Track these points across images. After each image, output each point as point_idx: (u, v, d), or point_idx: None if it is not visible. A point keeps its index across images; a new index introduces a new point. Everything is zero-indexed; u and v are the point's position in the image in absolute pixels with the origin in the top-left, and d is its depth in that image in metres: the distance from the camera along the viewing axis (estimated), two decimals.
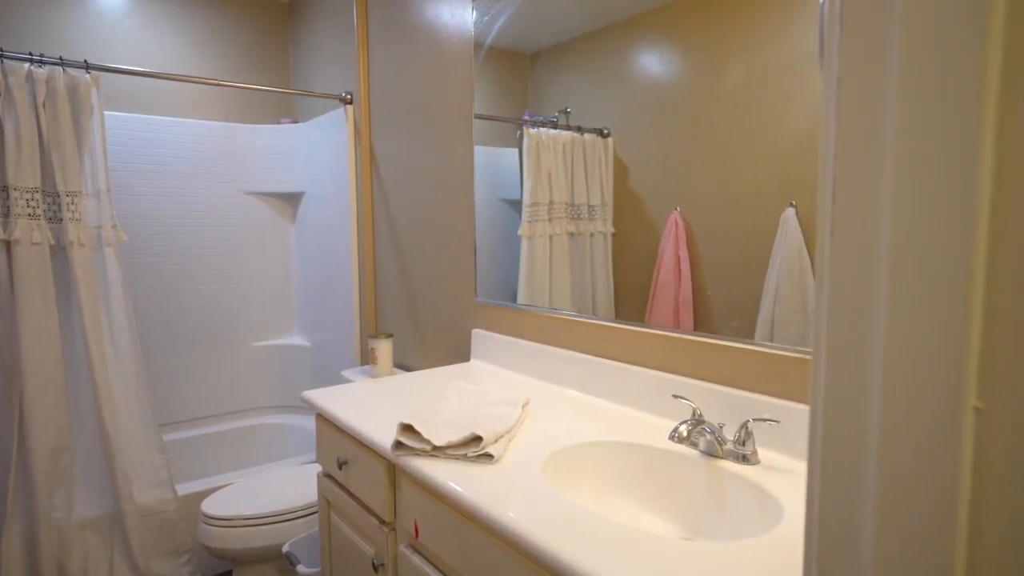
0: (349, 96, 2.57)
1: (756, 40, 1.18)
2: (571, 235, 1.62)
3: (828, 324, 0.35)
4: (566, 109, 1.61)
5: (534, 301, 1.75)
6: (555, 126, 1.65)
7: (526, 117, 1.74)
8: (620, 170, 1.48)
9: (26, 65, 1.94)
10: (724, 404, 1.24)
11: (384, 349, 2.23)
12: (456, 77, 2.01)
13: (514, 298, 1.83)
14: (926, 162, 0.30)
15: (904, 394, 0.31)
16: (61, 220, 2.02)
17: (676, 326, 1.37)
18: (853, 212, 0.33)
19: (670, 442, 1.21)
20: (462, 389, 1.49)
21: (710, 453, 1.15)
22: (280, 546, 2.01)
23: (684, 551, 0.83)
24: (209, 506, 2.04)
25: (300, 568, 1.84)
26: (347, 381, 2.35)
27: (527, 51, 1.72)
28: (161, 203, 2.85)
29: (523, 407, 1.37)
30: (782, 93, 1.15)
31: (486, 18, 1.85)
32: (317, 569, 1.81)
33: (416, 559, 1.20)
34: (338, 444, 1.49)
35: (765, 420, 1.10)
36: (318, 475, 1.64)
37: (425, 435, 1.18)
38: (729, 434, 1.21)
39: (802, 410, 1.12)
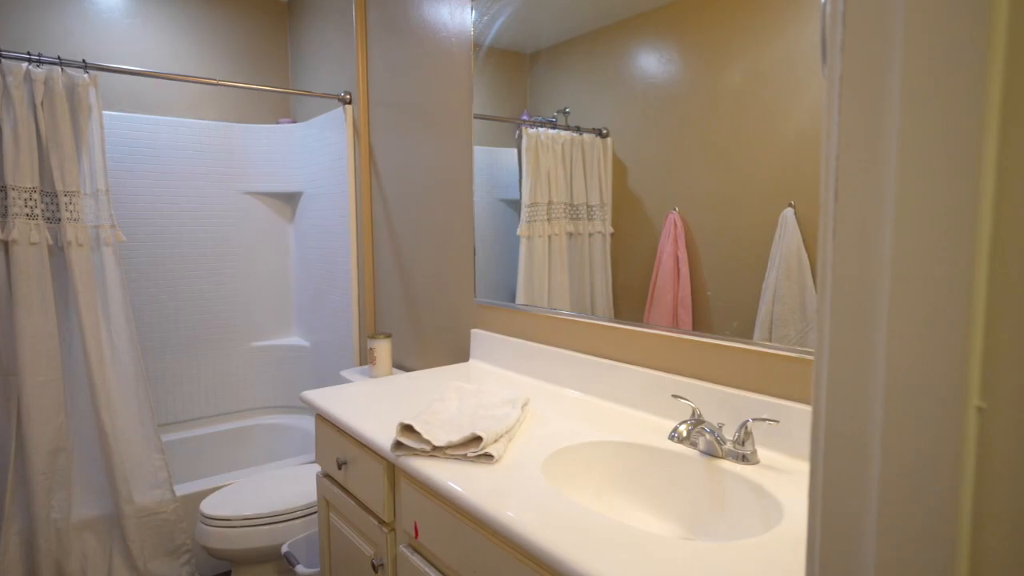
0: (348, 96, 2.57)
1: (754, 40, 1.18)
2: (570, 235, 1.62)
3: (831, 324, 0.35)
4: (565, 109, 1.61)
5: (533, 301, 1.76)
6: (554, 126, 1.65)
7: (525, 117, 1.74)
8: (619, 170, 1.48)
9: (24, 65, 1.94)
10: (723, 404, 1.24)
11: (383, 349, 2.23)
12: (455, 77, 2.01)
13: (513, 298, 1.83)
14: (929, 161, 0.30)
15: (907, 394, 0.31)
16: (59, 220, 2.02)
17: (675, 326, 1.37)
18: (856, 212, 0.33)
19: (670, 442, 1.21)
20: (461, 389, 1.49)
21: (710, 453, 1.15)
22: (279, 546, 2.01)
23: (684, 551, 0.83)
24: (208, 506, 2.03)
25: (299, 568, 1.84)
26: (346, 381, 2.35)
27: (526, 51, 1.72)
28: (159, 203, 2.85)
29: (523, 407, 1.37)
30: (780, 93, 1.15)
31: (485, 18, 1.85)
32: (316, 569, 1.81)
33: (416, 559, 1.20)
34: (337, 444, 1.48)
35: (764, 420, 1.10)
36: (317, 475, 1.64)
37: (425, 435, 1.18)
38: (728, 434, 1.22)
39: (801, 410, 1.12)
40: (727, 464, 1.11)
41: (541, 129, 1.69)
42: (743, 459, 1.11)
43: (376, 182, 2.52)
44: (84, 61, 2.03)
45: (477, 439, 1.17)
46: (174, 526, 2.21)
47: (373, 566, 1.33)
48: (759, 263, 1.21)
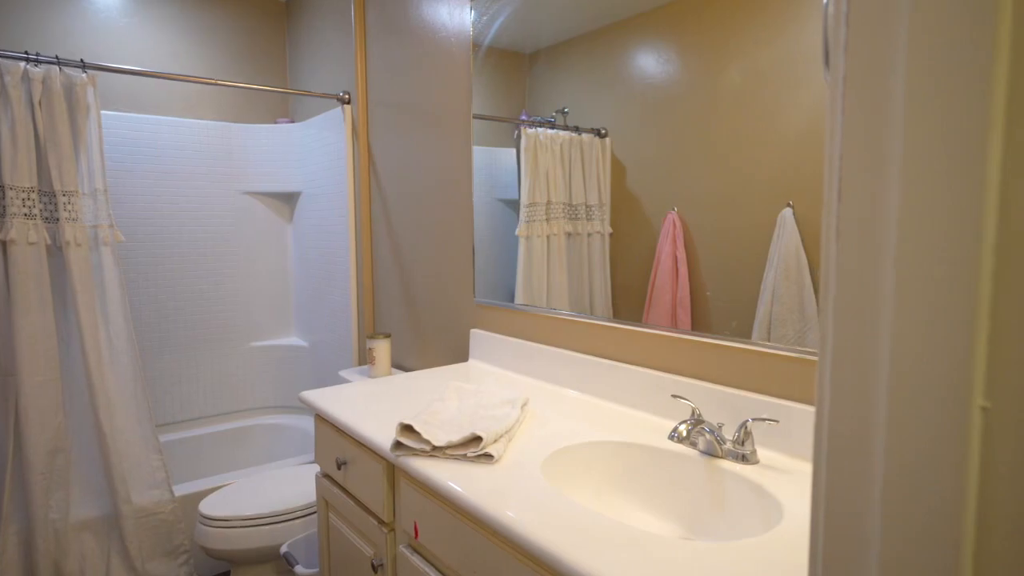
0: (347, 96, 2.57)
1: (753, 41, 1.18)
2: (568, 235, 1.62)
3: (834, 324, 0.35)
4: (563, 109, 1.61)
5: (532, 301, 1.76)
6: (553, 126, 1.65)
7: (523, 117, 1.74)
8: (617, 170, 1.48)
9: (22, 64, 1.93)
10: (723, 404, 1.24)
11: (382, 349, 2.22)
12: (454, 77, 2.01)
13: (512, 298, 1.83)
14: (933, 161, 0.30)
15: (910, 394, 0.31)
16: (57, 220, 2.02)
17: (673, 326, 1.37)
18: (859, 212, 0.33)
19: (669, 442, 1.21)
20: (461, 389, 1.49)
21: (709, 453, 1.15)
22: (278, 547, 2.01)
23: (684, 550, 0.83)
24: (207, 507, 2.03)
25: (298, 569, 1.84)
26: (345, 381, 2.35)
27: (525, 51, 1.72)
28: (158, 203, 2.85)
29: (522, 407, 1.37)
30: (779, 93, 1.15)
31: (484, 18, 1.85)
32: (315, 570, 1.81)
33: (416, 559, 1.20)
34: (337, 444, 1.48)
35: (764, 420, 1.10)
36: (316, 475, 1.64)
37: (425, 435, 1.18)
38: (728, 434, 1.22)
39: (801, 409, 1.12)
40: (727, 464, 1.12)
41: (540, 129, 1.69)
42: (743, 459, 1.11)
43: (375, 182, 2.52)
44: (82, 61, 2.02)
45: (477, 439, 1.17)
46: (172, 526, 2.21)
47: (373, 566, 1.33)
48: (758, 263, 1.21)
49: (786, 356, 1.16)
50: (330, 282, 2.83)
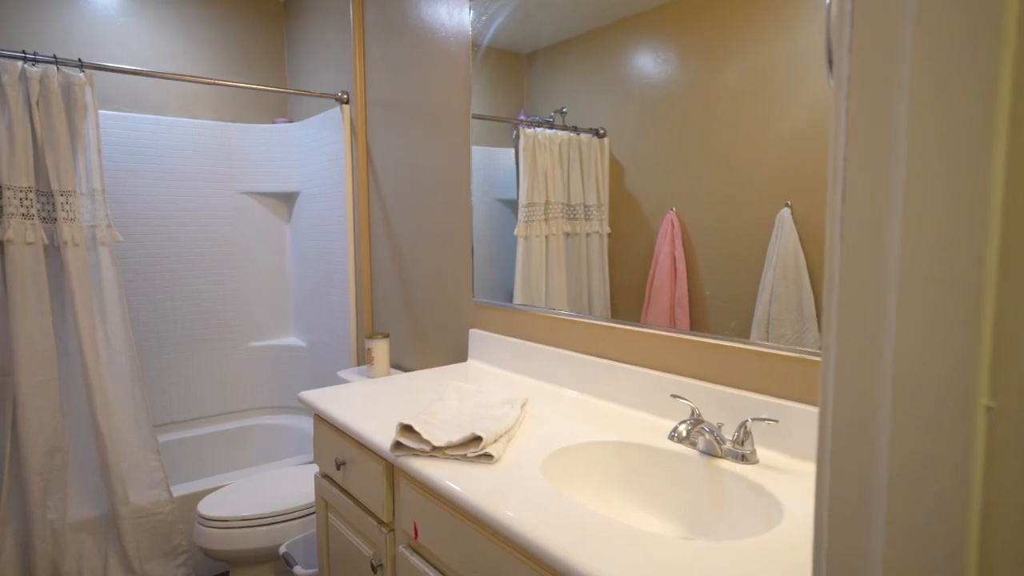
0: (345, 96, 2.57)
1: (752, 41, 1.18)
2: (567, 235, 1.62)
3: (838, 324, 0.35)
4: (562, 109, 1.61)
5: (531, 301, 1.76)
6: (551, 126, 1.65)
7: (522, 117, 1.74)
8: (616, 170, 1.48)
9: (19, 63, 1.93)
10: (723, 404, 1.24)
11: (381, 349, 2.22)
12: (454, 77, 2.01)
13: (510, 298, 1.83)
14: (938, 161, 0.30)
15: (915, 393, 0.31)
16: (55, 220, 2.01)
17: (672, 326, 1.37)
18: (863, 212, 0.33)
19: (669, 441, 1.21)
20: (461, 389, 1.49)
21: (709, 452, 1.15)
22: (277, 547, 2.01)
23: (684, 550, 0.84)
24: (205, 507, 2.03)
25: (297, 569, 1.84)
26: (343, 381, 2.35)
27: (524, 51, 1.72)
28: (156, 203, 2.84)
29: (522, 407, 1.37)
30: (778, 93, 1.15)
31: (484, 18, 1.85)
32: (314, 570, 1.80)
33: (415, 559, 1.20)
34: (336, 445, 1.48)
35: (764, 420, 1.10)
36: (316, 476, 1.63)
37: (424, 436, 1.18)
38: (728, 433, 1.22)
39: (801, 409, 1.12)
40: (727, 464, 1.12)
41: (538, 129, 1.69)
42: (742, 459, 1.11)
43: (373, 182, 2.52)
44: (80, 60, 2.02)
45: (477, 439, 1.17)
46: (171, 527, 2.20)
47: (372, 566, 1.33)
48: (756, 263, 1.21)
49: (785, 356, 1.16)
50: (328, 282, 2.83)
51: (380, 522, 1.33)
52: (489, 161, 1.89)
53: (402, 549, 1.25)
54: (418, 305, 2.29)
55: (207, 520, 1.99)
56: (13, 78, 1.91)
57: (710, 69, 1.26)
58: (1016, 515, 0.29)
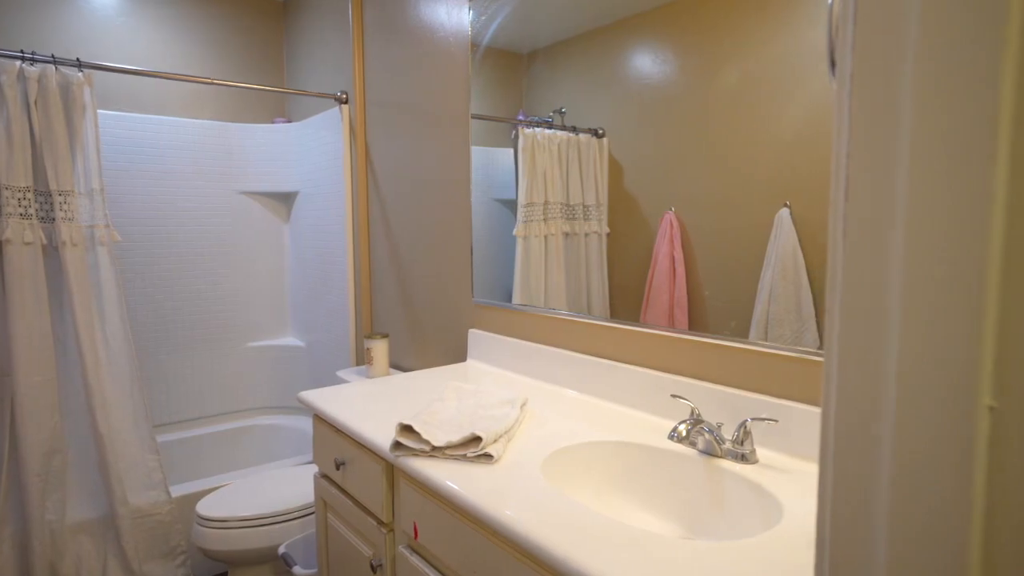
0: (344, 95, 2.56)
1: (750, 41, 1.18)
2: (566, 235, 1.62)
3: (841, 324, 0.35)
4: (561, 109, 1.61)
5: (530, 301, 1.76)
6: (550, 126, 1.65)
7: (521, 117, 1.74)
8: (615, 170, 1.48)
9: (17, 63, 1.92)
10: (722, 403, 1.24)
11: (380, 349, 2.22)
12: (453, 77, 2.01)
13: (509, 298, 1.83)
14: (941, 160, 0.30)
15: (918, 394, 0.31)
16: (53, 220, 2.01)
17: (671, 326, 1.38)
18: (866, 211, 0.33)
19: (669, 441, 1.21)
20: (460, 389, 1.49)
21: (709, 452, 1.15)
22: (276, 547, 2.00)
23: (684, 550, 0.84)
24: (204, 507, 2.02)
25: (296, 569, 1.83)
26: (342, 382, 2.34)
27: (523, 51, 1.72)
28: (155, 202, 2.84)
29: (521, 407, 1.37)
30: (776, 93, 1.15)
31: (483, 18, 1.85)
32: (314, 570, 1.80)
33: (415, 559, 1.20)
34: (335, 445, 1.48)
35: (763, 419, 1.10)
36: (315, 476, 1.63)
37: (424, 436, 1.18)
38: (727, 433, 1.22)
39: (800, 409, 1.12)
40: (726, 463, 1.12)
41: (537, 129, 1.69)
42: (742, 458, 1.11)
43: (372, 182, 2.52)
44: (78, 60, 2.02)
45: (477, 439, 1.17)
46: (169, 527, 2.20)
47: (372, 567, 1.33)
48: (755, 263, 1.21)
49: (785, 356, 1.17)
50: (327, 282, 2.83)
51: (380, 522, 1.33)
52: (488, 161, 1.89)
53: (402, 549, 1.25)
54: (417, 305, 2.29)
55: (206, 520, 1.99)
56: (11, 77, 1.91)
57: (709, 69, 1.26)
58: (1019, 515, 0.29)
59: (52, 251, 2.03)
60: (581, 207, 1.57)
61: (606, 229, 1.52)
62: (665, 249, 1.38)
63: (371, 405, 1.50)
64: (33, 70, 1.94)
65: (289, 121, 3.12)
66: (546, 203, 1.68)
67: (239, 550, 1.99)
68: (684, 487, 1.15)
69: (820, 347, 1.13)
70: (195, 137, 2.92)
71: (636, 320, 1.45)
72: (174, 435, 2.90)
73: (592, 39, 1.51)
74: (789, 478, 1.05)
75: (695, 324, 1.33)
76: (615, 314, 1.51)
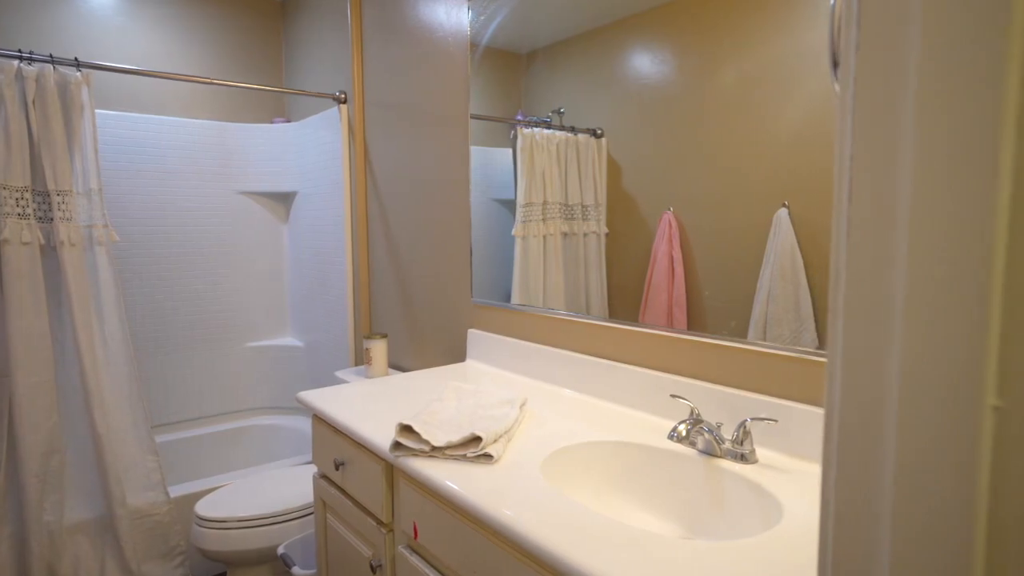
0: (343, 95, 2.56)
1: (749, 41, 1.19)
2: (565, 235, 1.63)
3: (844, 323, 0.35)
4: (560, 109, 1.61)
5: (529, 301, 1.76)
6: (549, 126, 1.65)
7: (520, 117, 1.74)
8: (613, 170, 1.48)
9: (15, 62, 1.92)
10: (722, 403, 1.24)
11: (379, 349, 2.22)
12: (452, 77, 2.01)
13: (508, 298, 1.83)
14: (944, 160, 0.30)
15: (921, 393, 0.31)
16: (51, 220, 2.00)
17: (670, 325, 1.38)
18: (869, 212, 0.33)
19: (668, 441, 1.21)
20: (460, 389, 1.49)
21: (708, 452, 1.15)
22: (275, 548, 2.00)
23: (684, 550, 0.84)
24: (203, 508, 2.02)
25: (295, 570, 1.83)
26: (341, 382, 2.34)
27: (522, 51, 1.72)
28: (153, 202, 2.83)
29: (521, 407, 1.37)
30: (775, 94, 1.15)
31: (482, 18, 1.85)
32: (313, 571, 1.80)
33: (415, 560, 1.20)
34: (335, 445, 1.48)
35: (763, 419, 1.11)
36: (314, 476, 1.63)
37: (424, 436, 1.18)
38: (727, 433, 1.22)
39: (800, 409, 1.12)
40: (726, 463, 1.12)
41: (536, 129, 1.69)
42: (742, 458, 1.12)
43: (371, 182, 2.52)
44: (76, 59, 2.01)
45: (476, 439, 1.17)
46: (168, 528, 2.20)
47: (371, 567, 1.33)
48: (754, 263, 1.21)
49: (784, 355, 1.17)
50: (326, 282, 2.82)
51: (379, 522, 1.33)
52: (487, 161, 1.89)
53: (401, 549, 1.25)
54: (416, 305, 2.29)
55: (205, 521, 1.99)
56: (9, 77, 1.90)
57: (707, 69, 1.26)
58: (1022, 515, 0.29)
59: (50, 251, 2.03)
60: (580, 207, 1.57)
61: (605, 229, 1.52)
62: (664, 249, 1.38)
63: (370, 405, 1.50)
64: (31, 69, 1.94)
65: (288, 121, 3.12)
66: (545, 203, 1.68)
67: (238, 550, 1.99)
68: (684, 487, 1.15)
69: (819, 347, 1.13)
70: (194, 137, 2.91)
71: (635, 320, 1.45)
72: (173, 435, 2.89)
73: (591, 39, 1.51)
74: (789, 478, 1.05)
75: (694, 324, 1.33)
76: (614, 314, 1.51)
